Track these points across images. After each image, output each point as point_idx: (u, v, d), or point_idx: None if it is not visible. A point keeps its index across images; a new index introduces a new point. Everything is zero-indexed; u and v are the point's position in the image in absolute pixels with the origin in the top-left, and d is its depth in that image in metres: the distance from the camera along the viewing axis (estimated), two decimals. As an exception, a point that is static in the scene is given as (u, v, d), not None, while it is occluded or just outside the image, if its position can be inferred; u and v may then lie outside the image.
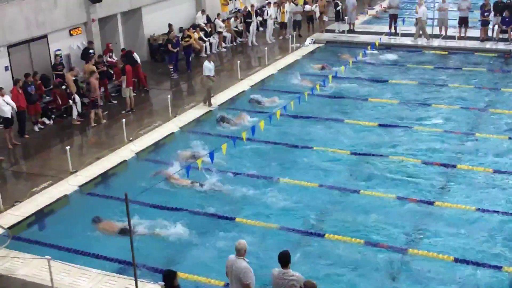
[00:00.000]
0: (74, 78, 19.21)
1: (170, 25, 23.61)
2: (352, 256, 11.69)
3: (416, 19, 26.48)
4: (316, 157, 16.07)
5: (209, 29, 26.31)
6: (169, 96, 19.23)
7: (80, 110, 18.89)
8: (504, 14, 25.04)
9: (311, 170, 15.31)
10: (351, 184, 14.52)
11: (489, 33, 26.02)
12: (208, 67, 19.59)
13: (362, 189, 14.18)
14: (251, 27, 27.55)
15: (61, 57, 20.47)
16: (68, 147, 15.38)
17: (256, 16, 28.04)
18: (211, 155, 13.54)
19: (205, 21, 26.81)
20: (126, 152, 16.35)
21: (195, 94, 21.23)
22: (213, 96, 19.96)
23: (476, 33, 26.33)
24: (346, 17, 28.35)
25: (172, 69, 23.29)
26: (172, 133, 17.69)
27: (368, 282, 10.96)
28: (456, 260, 11.32)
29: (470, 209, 13.13)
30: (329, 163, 15.71)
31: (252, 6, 28.12)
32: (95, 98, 18.45)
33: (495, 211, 13.04)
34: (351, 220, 12.99)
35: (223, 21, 26.94)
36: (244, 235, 10.69)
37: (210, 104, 19.70)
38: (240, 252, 8.89)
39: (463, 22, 26.00)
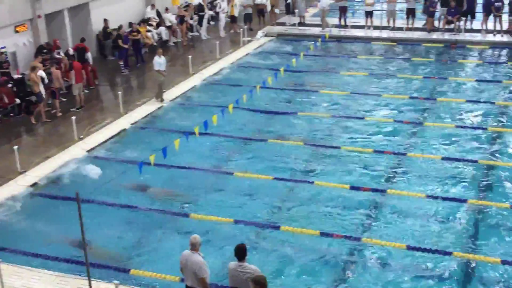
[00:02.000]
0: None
1: (105, 21, 23.39)
2: (308, 248, 11.76)
3: (320, 9, 27.78)
4: (270, 150, 16.12)
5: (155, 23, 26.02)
6: (120, 92, 18.92)
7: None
8: (450, 5, 25.65)
9: (265, 163, 15.34)
10: (305, 176, 14.62)
11: (436, 24, 26.64)
12: (159, 61, 19.37)
13: (316, 180, 14.28)
14: (203, 21, 27.38)
15: (6, 54, 19.87)
16: (16, 147, 14.95)
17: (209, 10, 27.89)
18: (164, 151, 13.40)
19: (155, 16, 26.50)
20: (77, 150, 16.03)
21: (146, 89, 20.97)
22: (164, 91, 19.75)
23: (423, 23, 26.89)
24: (296, 10, 28.51)
25: (122, 65, 22.96)
26: (124, 129, 17.43)
27: (323, 273, 11.04)
28: (409, 248, 11.51)
29: (421, 196, 13.39)
30: (282, 155, 15.78)
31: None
32: (56, 88, 18.33)
33: (444, 198, 13.34)
34: (306, 211, 13.08)
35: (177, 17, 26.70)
36: (199, 231, 10.62)
37: (162, 100, 19.48)
38: (194, 247, 8.84)
39: (410, 13, 26.55)
